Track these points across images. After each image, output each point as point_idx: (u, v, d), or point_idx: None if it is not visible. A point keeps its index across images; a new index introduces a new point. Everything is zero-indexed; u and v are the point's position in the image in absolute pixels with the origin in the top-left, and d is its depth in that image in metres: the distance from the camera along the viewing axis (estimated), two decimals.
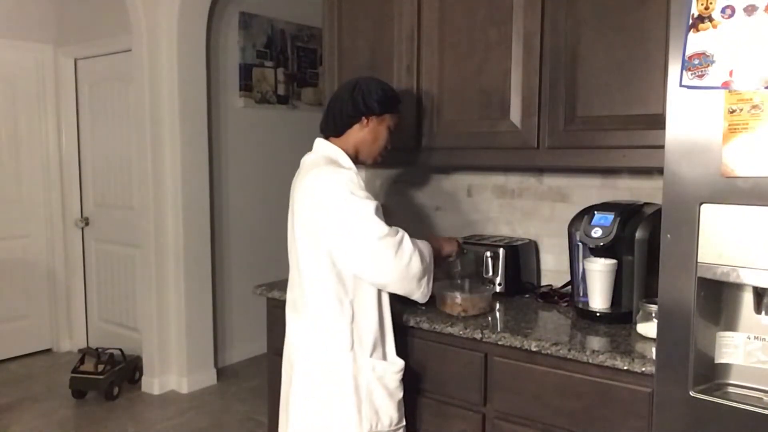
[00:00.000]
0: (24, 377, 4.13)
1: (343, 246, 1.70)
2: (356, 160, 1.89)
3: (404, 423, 1.84)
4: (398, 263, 1.69)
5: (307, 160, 1.88)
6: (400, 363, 1.81)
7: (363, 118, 1.86)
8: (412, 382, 1.90)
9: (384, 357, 1.80)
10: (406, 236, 1.73)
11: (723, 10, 1.26)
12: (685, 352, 1.35)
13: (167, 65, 3.70)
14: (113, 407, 3.65)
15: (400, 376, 1.80)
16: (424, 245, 1.81)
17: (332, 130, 1.89)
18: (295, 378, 1.81)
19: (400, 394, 1.82)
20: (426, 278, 1.79)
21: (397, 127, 1.98)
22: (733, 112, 1.26)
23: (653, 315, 1.62)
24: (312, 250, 1.75)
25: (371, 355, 1.76)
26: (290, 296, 1.89)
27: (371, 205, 1.69)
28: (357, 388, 1.74)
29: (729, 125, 1.27)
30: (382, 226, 1.68)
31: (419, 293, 1.80)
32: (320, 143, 1.89)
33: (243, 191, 4.32)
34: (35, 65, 4.46)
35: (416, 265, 1.73)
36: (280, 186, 4.65)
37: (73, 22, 4.42)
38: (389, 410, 1.78)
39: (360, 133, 1.88)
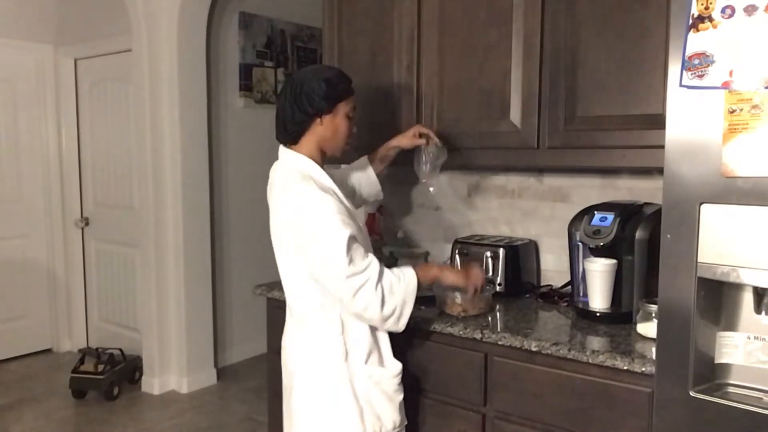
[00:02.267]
0: (24, 377, 4.14)
1: (315, 270, 1.66)
2: (324, 158, 1.81)
3: (406, 422, 1.84)
4: (354, 305, 1.65)
5: (276, 173, 1.78)
6: (398, 367, 1.78)
7: (315, 118, 1.74)
8: (412, 383, 1.90)
9: (380, 362, 1.77)
10: (372, 279, 1.63)
11: (723, 10, 1.26)
12: (685, 352, 1.35)
13: (167, 65, 3.70)
14: (113, 407, 3.65)
15: (398, 380, 1.78)
16: (400, 285, 1.69)
17: (288, 139, 1.78)
18: (295, 387, 1.79)
19: (401, 397, 1.79)
20: (391, 320, 1.69)
21: (356, 109, 1.82)
22: (733, 112, 1.26)
23: (653, 315, 1.62)
24: (292, 265, 1.73)
25: (366, 362, 1.73)
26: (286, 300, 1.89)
27: (344, 237, 1.61)
28: (356, 397, 1.71)
29: (729, 125, 1.27)
30: (344, 267, 1.60)
31: (383, 329, 1.74)
32: (286, 154, 1.78)
33: (243, 191, 4.32)
34: (35, 65, 4.46)
35: (373, 312, 1.65)
36: None
37: (73, 22, 4.42)
38: (391, 414, 1.76)
39: (317, 133, 1.76)
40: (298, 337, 1.79)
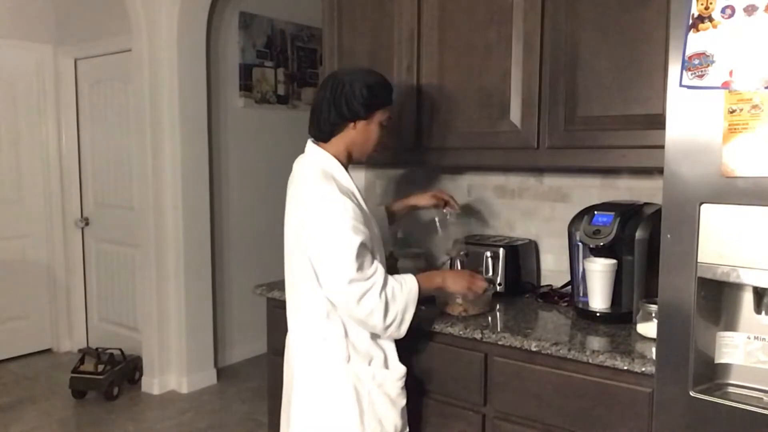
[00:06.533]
0: (24, 377, 4.14)
1: (320, 272, 1.67)
2: (350, 160, 1.83)
3: (407, 429, 1.81)
4: (358, 311, 1.64)
5: (300, 167, 1.80)
6: (402, 370, 1.77)
7: (350, 122, 1.75)
8: (412, 383, 1.89)
9: (385, 364, 1.76)
10: (377, 285, 1.64)
11: (723, 10, 1.26)
12: (685, 352, 1.35)
13: (167, 65, 3.70)
14: (113, 407, 3.65)
15: (401, 383, 1.76)
16: (402, 292, 1.69)
17: (319, 136, 1.79)
18: (296, 385, 1.79)
19: (403, 402, 1.78)
20: (393, 326, 1.69)
21: (391, 120, 1.86)
22: (733, 112, 1.26)
23: (653, 315, 1.62)
24: (301, 264, 1.72)
25: (370, 364, 1.72)
26: (287, 300, 1.88)
27: (355, 243, 1.61)
28: (358, 398, 1.70)
29: (729, 125, 1.27)
30: (352, 271, 1.60)
31: (384, 336, 1.73)
32: (312, 149, 1.79)
33: (243, 191, 4.32)
34: (35, 65, 4.46)
35: (377, 318, 1.64)
36: (280, 186, 4.62)
37: (73, 22, 4.42)
38: (393, 418, 1.74)
39: (348, 136, 1.77)
40: (302, 337, 1.78)
